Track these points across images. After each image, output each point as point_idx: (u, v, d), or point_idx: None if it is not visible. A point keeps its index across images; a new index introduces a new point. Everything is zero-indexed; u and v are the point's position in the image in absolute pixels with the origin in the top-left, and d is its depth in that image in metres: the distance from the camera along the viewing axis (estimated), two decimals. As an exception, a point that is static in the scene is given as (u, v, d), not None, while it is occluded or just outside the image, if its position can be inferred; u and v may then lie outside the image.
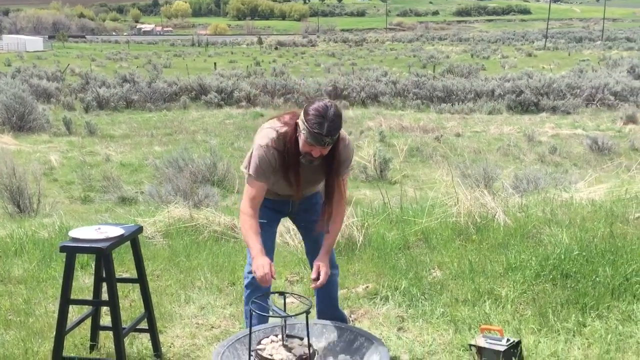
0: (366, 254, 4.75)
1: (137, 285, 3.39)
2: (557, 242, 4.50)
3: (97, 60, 46.44)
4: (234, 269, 4.54)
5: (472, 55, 51.43)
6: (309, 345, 2.75)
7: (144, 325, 3.33)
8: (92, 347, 3.36)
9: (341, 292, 4.14)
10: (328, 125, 2.77)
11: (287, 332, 2.86)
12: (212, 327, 3.73)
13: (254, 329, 2.87)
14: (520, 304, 3.79)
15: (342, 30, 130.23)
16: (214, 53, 60.14)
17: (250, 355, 2.75)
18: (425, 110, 21.87)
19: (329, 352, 2.92)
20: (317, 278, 2.96)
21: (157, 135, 16.17)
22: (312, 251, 3.22)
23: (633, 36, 73.02)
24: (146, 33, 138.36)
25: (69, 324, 3.09)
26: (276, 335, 2.88)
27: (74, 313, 3.64)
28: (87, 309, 3.41)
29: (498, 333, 3.19)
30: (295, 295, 3.31)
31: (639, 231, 4.69)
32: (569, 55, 50.24)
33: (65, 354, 3.06)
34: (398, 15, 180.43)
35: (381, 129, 16.30)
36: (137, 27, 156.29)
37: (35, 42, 68.44)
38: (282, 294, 2.94)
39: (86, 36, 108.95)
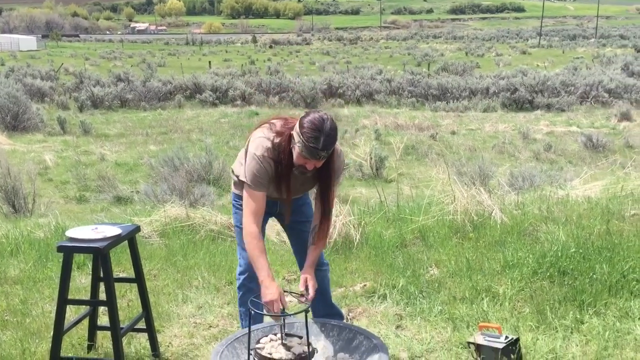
0: (363, 252, 4.75)
1: (134, 285, 3.38)
2: (554, 239, 4.51)
3: (91, 59, 46.28)
4: (231, 268, 4.52)
5: (466, 53, 51.50)
6: (308, 344, 2.75)
7: (141, 325, 3.32)
8: (89, 347, 3.35)
9: (339, 291, 4.14)
10: (324, 140, 2.71)
11: (286, 330, 2.85)
12: (210, 326, 3.72)
13: (252, 327, 2.86)
14: (518, 301, 3.80)
15: (337, 28, 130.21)
16: (208, 52, 60.02)
17: (249, 354, 2.74)
18: (420, 108, 21.88)
19: (328, 350, 2.92)
20: (306, 290, 2.94)
21: (152, 134, 16.13)
22: (300, 251, 3.21)
23: (626, 33, 73.28)
24: (140, 32, 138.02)
25: (67, 324, 3.08)
26: (275, 334, 2.88)
27: (71, 313, 3.63)
28: (84, 309, 3.40)
29: (496, 330, 3.19)
30: (294, 294, 3.30)
31: (635, 228, 4.70)
32: (563, 52, 50.36)
33: (62, 354, 3.05)
34: (392, 13, 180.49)
35: (376, 127, 16.31)
36: (131, 26, 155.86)
37: (28, 42, 68.16)
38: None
39: (80, 35, 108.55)
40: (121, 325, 3.05)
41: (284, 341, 2.81)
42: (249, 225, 2.90)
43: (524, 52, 51.34)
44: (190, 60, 46.72)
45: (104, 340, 3.42)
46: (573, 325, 3.44)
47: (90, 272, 3.40)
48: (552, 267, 4.06)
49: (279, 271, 4.49)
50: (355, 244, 4.86)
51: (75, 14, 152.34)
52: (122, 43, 77.94)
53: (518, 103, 21.70)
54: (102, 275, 3.08)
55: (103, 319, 3.58)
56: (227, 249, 5.02)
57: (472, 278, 4.09)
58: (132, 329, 3.23)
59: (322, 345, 2.94)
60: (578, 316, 3.53)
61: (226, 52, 61.12)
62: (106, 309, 3.03)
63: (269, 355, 2.71)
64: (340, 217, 4.96)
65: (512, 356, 3.07)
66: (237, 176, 3.11)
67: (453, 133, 16.14)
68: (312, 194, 3.21)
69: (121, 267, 4.65)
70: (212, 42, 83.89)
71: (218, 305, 4.01)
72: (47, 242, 5.18)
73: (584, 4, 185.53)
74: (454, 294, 3.93)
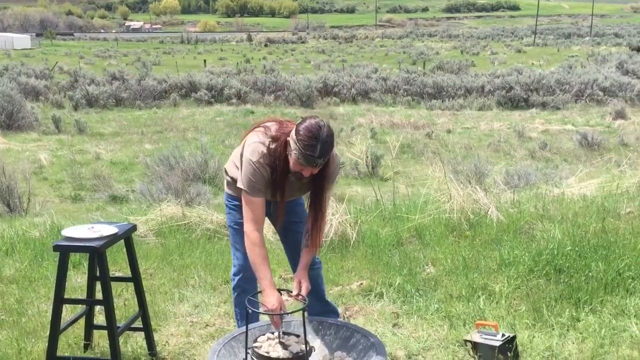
0: (360, 250, 4.76)
1: (130, 284, 3.37)
2: (550, 237, 4.52)
3: (86, 57, 46.13)
4: (227, 267, 4.52)
5: (461, 52, 51.55)
6: (306, 343, 2.75)
7: (138, 324, 3.31)
8: (86, 347, 3.35)
9: (335, 289, 4.14)
10: (321, 147, 2.69)
11: (283, 329, 2.85)
12: (207, 325, 3.72)
13: (250, 326, 2.86)
14: (514, 299, 3.81)
15: (332, 27, 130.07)
16: (203, 50, 59.89)
17: (246, 353, 2.74)
18: (415, 107, 21.90)
19: (326, 349, 2.92)
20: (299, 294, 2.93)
21: (147, 133, 16.09)
22: (293, 252, 3.20)
23: (621, 32, 73.45)
24: (135, 30, 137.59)
25: (63, 323, 3.07)
26: (272, 333, 2.87)
27: (67, 312, 3.62)
28: (80, 308, 3.39)
29: (493, 328, 3.20)
30: (288, 292, 3.30)
31: (631, 226, 4.72)
32: (558, 51, 50.44)
33: (59, 353, 3.04)
34: (388, 11, 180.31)
35: (372, 126, 16.32)
36: (126, 24, 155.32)
37: (22, 40, 67.87)
38: (277, 291, 2.93)
39: (74, 34, 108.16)
40: (118, 325, 3.04)
41: (281, 340, 2.80)
42: (251, 233, 2.89)
43: (519, 51, 51.40)
44: (186, 59, 46.62)
45: (101, 339, 3.41)
46: (569, 323, 3.45)
47: (86, 272, 3.39)
48: (548, 265, 4.07)
49: (275, 270, 4.48)
50: (352, 242, 4.86)
51: (69, 13, 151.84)
52: (117, 41, 77.70)
53: (513, 101, 21.74)
54: (98, 274, 3.07)
55: (99, 318, 3.57)
56: (223, 248, 5.01)
57: (469, 276, 4.10)
58: (128, 328, 3.23)
59: (320, 344, 2.94)
60: (574, 314, 3.54)
61: (221, 50, 61.00)
62: (102, 308, 3.02)
63: (266, 354, 2.71)
64: (337, 216, 4.96)
65: (509, 354, 3.08)
66: (232, 178, 3.10)
67: (449, 131, 16.16)
68: (306, 196, 3.20)
69: (117, 266, 4.64)
70: (207, 41, 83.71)
71: (214, 304, 4.00)
72: (43, 242, 5.17)
73: (579, 3, 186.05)
74: (450, 292, 3.94)
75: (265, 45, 70.56)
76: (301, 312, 2.76)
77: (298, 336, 2.85)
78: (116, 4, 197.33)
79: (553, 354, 3.18)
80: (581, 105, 21.36)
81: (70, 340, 3.42)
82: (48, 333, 3.03)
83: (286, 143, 2.81)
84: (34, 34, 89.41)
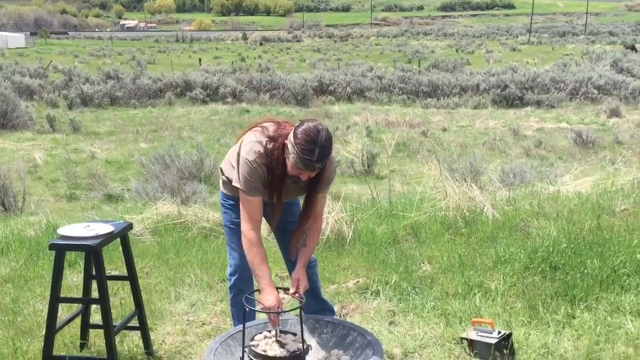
0: (356, 248, 4.76)
1: (126, 283, 3.37)
2: (545, 234, 4.54)
3: (80, 56, 45.96)
4: (224, 266, 4.51)
5: (457, 50, 51.59)
6: (303, 341, 2.75)
7: (134, 322, 3.31)
8: (82, 346, 3.34)
9: (332, 287, 4.14)
10: (319, 152, 2.67)
11: (280, 327, 2.85)
12: (203, 323, 3.71)
13: (247, 324, 2.86)
14: (510, 296, 3.82)
15: (327, 25, 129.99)
16: (198, 49, 59.77)
17: (243, 351, 2.74)
18: (411, 105, 21.91)
19: (322, 347, 2.92)
20: (296, 292, 2.93)
21: (143, 132, 16.05)
22: (289, 254, 3.19)
23: (615, 30, 73.69)
24: (130, 29, 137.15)
25: (59, 322, 3.06)
26: (269, 331, 2.87)
27: (63, 311, 3.61)
28: (76, 307, 3.38)
29: (489, 326, 3.20)
30: (285, 291, 3.30)
31: (626, 223, 4.74)
32: (553, 49, 50.55)
33: (55, 352, 3.03)
34: (383, 10, 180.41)
35: (367, 124, 16.32)
36: (121, 23, 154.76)
37: (17, 39, 67.54)
38: (275, 290, 2.92)
39: (69, 32, 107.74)
40: (114, 323, 3.04)
41: (278, 338, 2.80)
42: (248, 232, 2.88)
43: (514, 49, 51.48)
44: (180, 58, 46.49)
45: (97, 338, 3.41)
46: (565, 320, 3.47)
47: (82, 270, 3.38)
48: (543, 263, 4.08)
49: (272, 268, 4.47)
50: (348, 240, 4.86)
51: (64, 11, 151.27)
52: (112, 40, 77.40)
53: (508, 100, 21.77)
54: (94, 273, 3.06)
55: (95, 317, 3.56)
56: (219, 247, 5.01)
57: (465, 274, 4.11)
58: (124, 327, 3.22)
59: (316, 342, 2.94)
60: (570, 311, 3.55)
61: (216, 49, 60.87)
62: (98, 307, 3.02)
63: (263, 353, 2.71)
64: (333, 214, 4.97)
65: (505, 351, 3.08)
66: (228, 177, 3.09)
67: (444, 130, 16.17)
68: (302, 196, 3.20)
69: (113, 264, 4.63)
70: (202, 40, 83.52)
71: (211, 302, 4.00)
72: (38, 241, 5.16)
73: (574, 1, 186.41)
74: (446, 290, 3.95)
75: (261, 44, 70.49)
76: (298, 310, 2.77)
77: (295, 334, 2.85)
78: (111, 3, 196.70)
79: (549, 351, 3.19)
80: (576, 104, 21.41)
81: (66, 339, 3.42)
82: (44, 332, 3.02)
83: (284, 146, 2.78)
84: (28, 32, 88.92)
